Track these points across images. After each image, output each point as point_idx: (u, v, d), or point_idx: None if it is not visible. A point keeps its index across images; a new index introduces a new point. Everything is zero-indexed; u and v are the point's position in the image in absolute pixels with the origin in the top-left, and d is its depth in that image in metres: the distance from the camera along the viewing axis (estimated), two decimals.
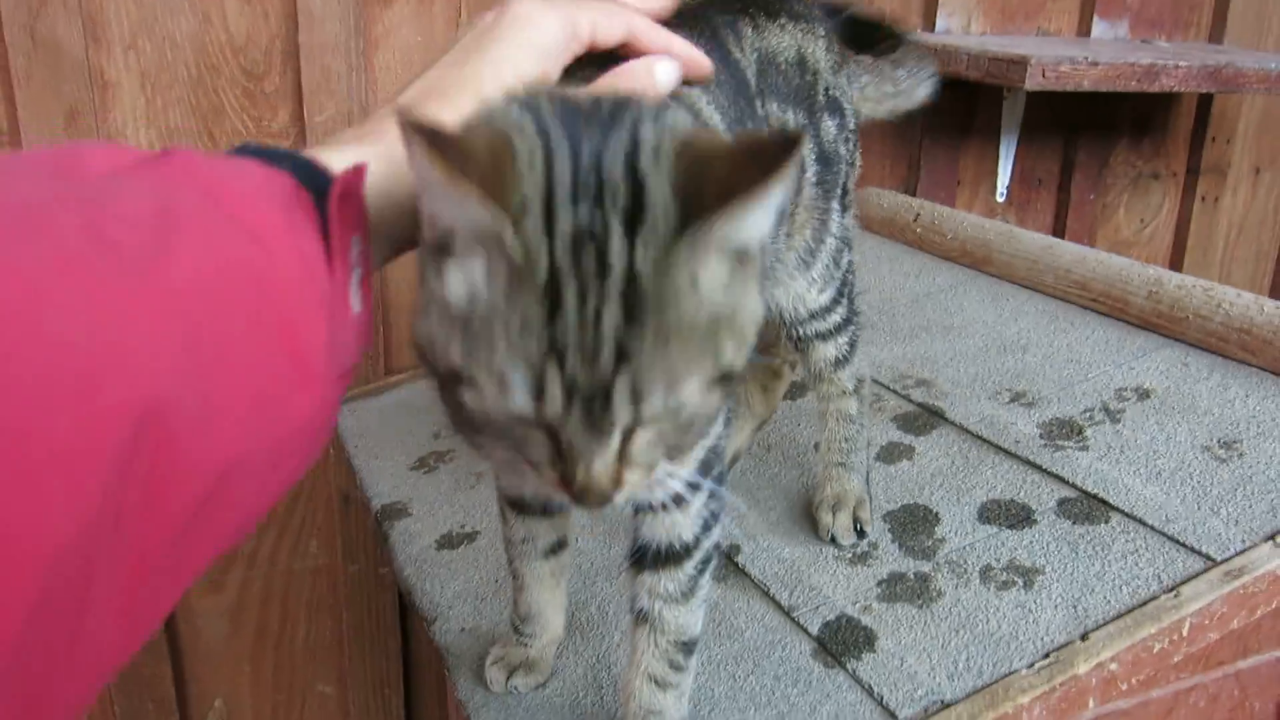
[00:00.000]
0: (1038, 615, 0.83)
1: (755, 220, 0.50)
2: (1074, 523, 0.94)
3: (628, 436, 0.52)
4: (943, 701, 0.77)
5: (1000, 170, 2.06)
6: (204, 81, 1.48)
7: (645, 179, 0.49)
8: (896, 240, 1.66)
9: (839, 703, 0.79)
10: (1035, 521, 0.95)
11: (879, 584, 0.90)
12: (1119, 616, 0.82)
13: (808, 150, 0.90)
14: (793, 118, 0.88)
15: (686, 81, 0.72)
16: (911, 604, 0.87)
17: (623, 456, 0.53)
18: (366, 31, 1.53)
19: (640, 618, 0.74)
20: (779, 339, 1.01)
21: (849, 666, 0.82)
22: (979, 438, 1.09)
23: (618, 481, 0.54)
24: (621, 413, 0.50)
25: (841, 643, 0.84)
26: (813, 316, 0.96)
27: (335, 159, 0.56)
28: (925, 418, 1.15)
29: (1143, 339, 1.22)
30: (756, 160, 0.48)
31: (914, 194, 1.96)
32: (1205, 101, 2.18)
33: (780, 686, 0.82)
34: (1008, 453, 1.05)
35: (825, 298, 0.96)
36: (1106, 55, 1.72)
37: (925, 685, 0.78)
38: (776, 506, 1.04)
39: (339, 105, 1.53)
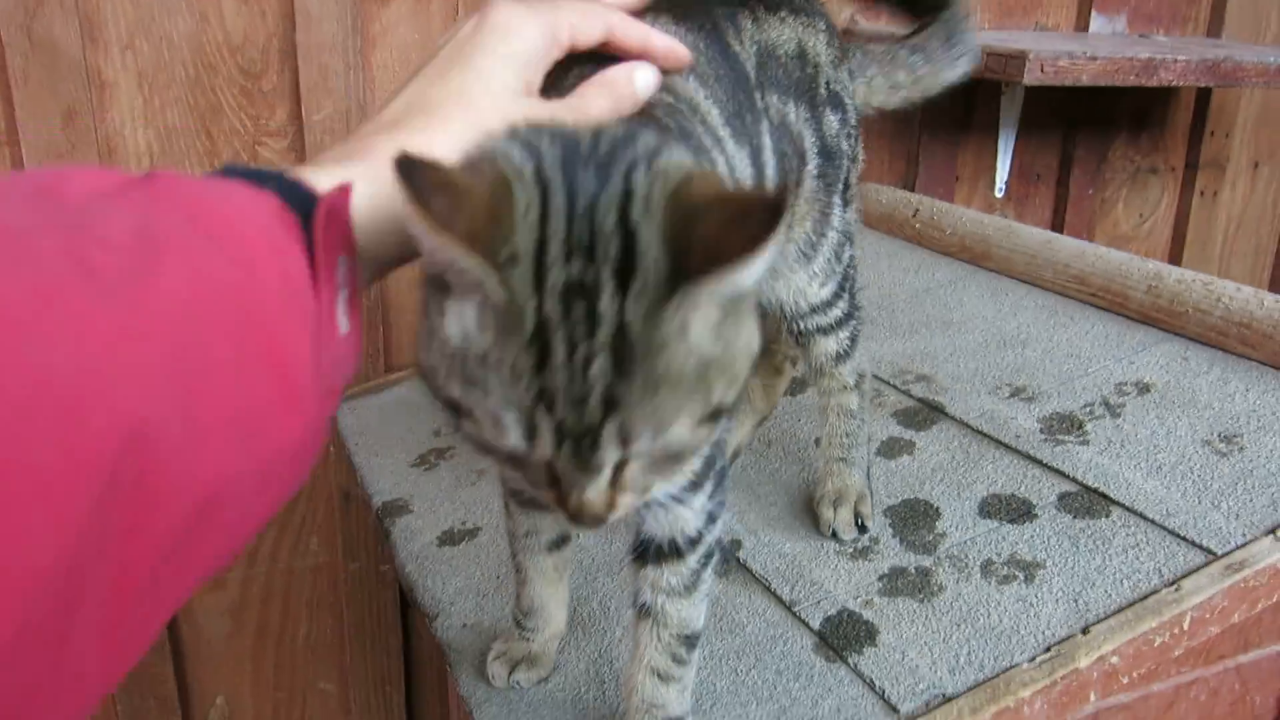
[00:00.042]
0: (1039, 609, 0.84)
1: (745, 277, 0.50)
2: (1075, 517, 0.94)
3: (620, 467, 0.54)
4: (944, 695, 0.77)
5: (999, 165, 2.06)
6: (201, 81, 1.48)
7: (637, 230, 0.50)
8: (895, 236, 1.66)
9: (840, 697, 0.79)
10: (1036, 516, 0.95)
11: (880, 579, 0.91)
12: (1120, 610, 0.82)
13: (810, 144, 0.90)
14: (794, 111, 0.87)
15: (667, 72, 0.72)
16: (913, 598, 0.87)
17: (615, 484, 0.55)
18: (364, 30, 1.53)
19: (643, 612, 0.74)
20: (780, 333, 1.01)
21: (850, 661, 0.82)
22: (979, 432, 1.09)
23: (611, 505, 0.55)
24: (609, 454, 0.52)
25: (843, 637, 0.84)
26: (814, 310, 0.96)
27: (321, 178, 0.56)
28: (925, 413, 1.15)
29: (1142, 333, 1.22)
30: (744, 224, 0.48)
31: (913, 189, 1.96)
32: (1204, 96, 2.18)
33: (782, 681, 0.82)
34: (1008, 447, 1.05)
35: (826, 292, 0.96)
36: (1105, 50, 1.72)
37: (927, 679, 0.79)
38: (777, 502, 1.05)
39: (337, 104, 1.53)
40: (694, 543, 0.72)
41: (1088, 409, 1.09)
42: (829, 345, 0.98)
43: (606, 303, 0.49)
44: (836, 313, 0.97)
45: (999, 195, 2.09)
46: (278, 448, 0.49)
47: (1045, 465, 1.01)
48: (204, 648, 1.71)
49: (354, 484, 1.61)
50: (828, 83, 0.92)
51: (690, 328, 0.50)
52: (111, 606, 0.43)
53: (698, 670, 0.78)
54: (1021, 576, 0.88)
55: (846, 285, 0.98)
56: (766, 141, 0.82)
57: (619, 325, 0.49)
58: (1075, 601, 0.83)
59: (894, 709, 0.77)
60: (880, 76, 1.07)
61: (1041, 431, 1.06)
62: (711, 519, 0.72)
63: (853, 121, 0.96)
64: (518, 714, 0.84)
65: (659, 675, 0.74)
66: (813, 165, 0.91)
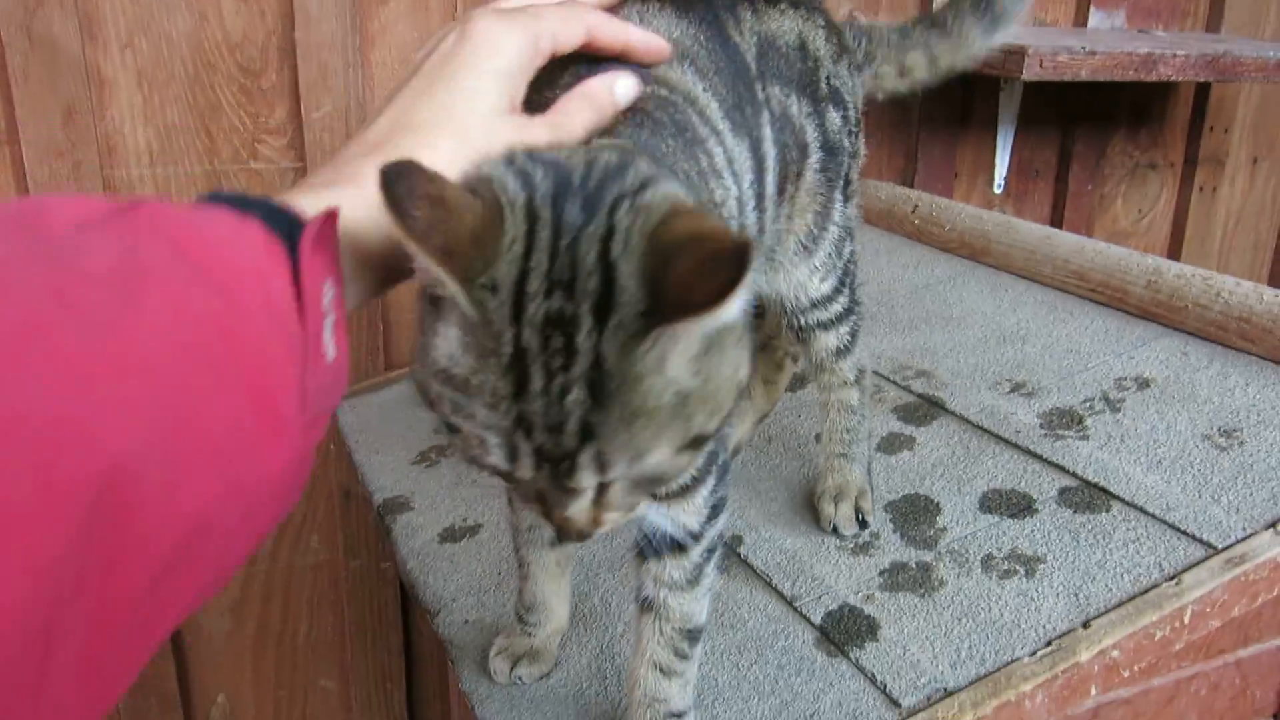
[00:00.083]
0: (1039, 603, 0.84)
1: (717, 320, 0.51)
2: (1075, 511, 0.94)
3: (604, 488, 0.56)
4: (945, 689, 0.77)
5: (998, 161, 2.06)
6: (201, 79, 1.48)
7: (616, 267, 0.51)
8: (895, 232, 1.66)
9: (842, 691, 0.79)
10: (1036, 510, 0.95)
11: (881, 573, 0.91)
12: (1121, 604, 0.82)
13: (812, 138, 0.90)
14: (795, 103, 0.87)
15: (649, 65, 0.73)
16: (914, 593, 0.88)
17: (599, 502, 0.57)
18: (363, 28, 1.53)
19: (645, 606, 0.74)
20: (780, 329, 1.01)
21: (852, 655, 0.82)
22: (979, 428, 1.09)
23: (595, 522, 0.58)
24: (586, 479, 0.54)
25: (844, 632, 0.85)
26: (814, 305, 0.96)
27: (308, 204, 0.56)
28: (925, 408, 1.15)
29: (1142, 328, 1.23)
30: (714, 271, 0.48)
31: (912, 185, 1.96)
32: (1203, 91, 2.19)
33: (783, 675, 0.82)
34: (1008, 442, 1.06)
35: (827, 286, 0.96)
36: (1104, 45, 1.73)
37: (928, 674, 0.79)
38: (778, 498, 1.05)
39: (336, 102, 1.53)
40: (697, 537, 0.72)
41: (1088, 404, 1.09)
42: (829, 340, 0.98)
43: (584, 336, 0.51)
44: (837, 308, 0.97)
45: (998, 191, 2.09)
46: (262, 479, 0.49)
47: (1045, 460, 1.01)
48: (205, 646, 1.71)
49: (354, 481, 1.62)
50: (829, 78, 0.92)
51: (668, 361, 0.52)
52: (92, 640, 0.42)
53: (699, 665, 0.78)
54: (1022, 571, 0.88)
55: (847, 280, 0.98)
56: (767, 133, 0.82)
57: (595, 358, 0.51)
58: (1076, 596, 0.84)
59: (895, 703, 0.77)
60: (888, 63, 1.06)
61: (1041, 426, 1.07)
62: (714, 513, 0.72)
63: (854, 118, 0.96)
64: (519, 710, 0.84)
65: (661, 669, 0.74)
66: (815, 159, 0.90)
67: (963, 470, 1.03)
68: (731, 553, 0.96)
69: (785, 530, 0.99)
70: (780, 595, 0.91)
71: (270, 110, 1.53)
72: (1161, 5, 2.13)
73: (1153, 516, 0.90)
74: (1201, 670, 1.00)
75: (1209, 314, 1.17)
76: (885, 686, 0.79)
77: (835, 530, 0.97)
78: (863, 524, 0.96)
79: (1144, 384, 1.11)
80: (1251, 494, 0.90)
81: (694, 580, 0.73)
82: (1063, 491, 0.97)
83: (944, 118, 1.99)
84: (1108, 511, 0.93)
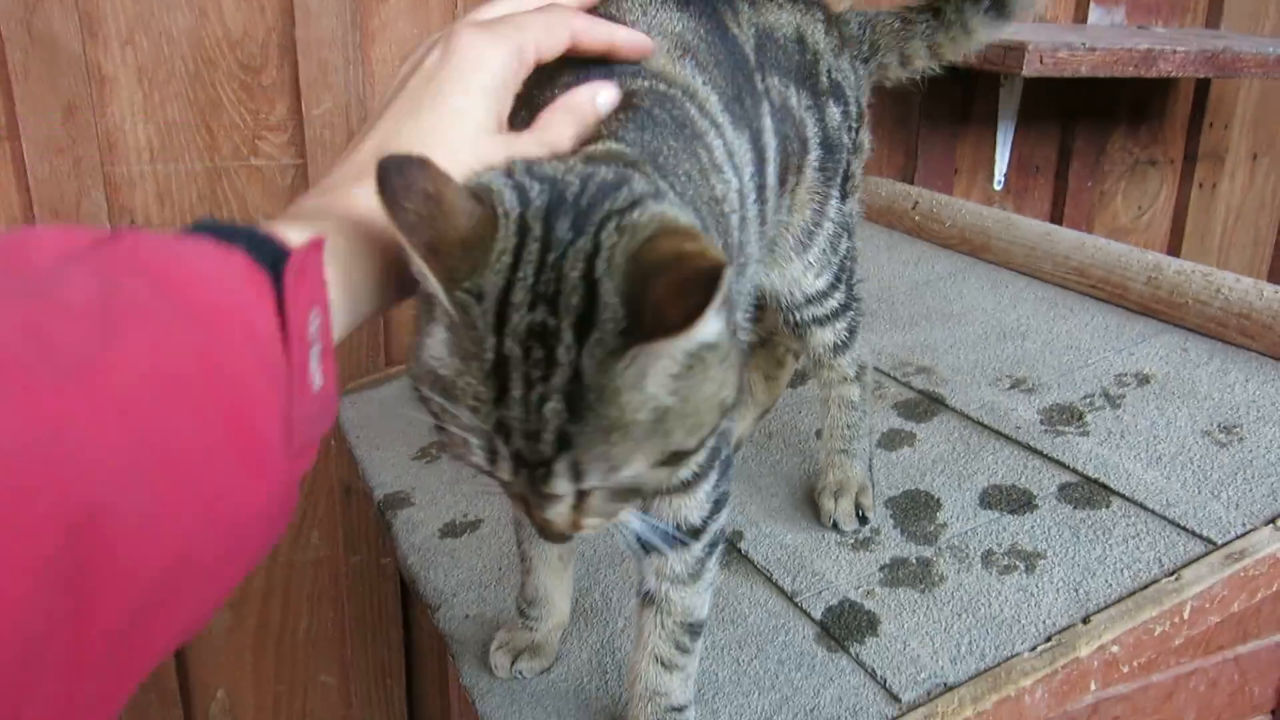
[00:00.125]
0: (1039, 599, 0.84)
1: (690, 342, 0.52)
2: (1075, 507, 0.94)
3: (582, 495, 0.57)
4: (945, 684, 0.77)
5: (998, 158, 2.06)
6: (201, 76, 1.48)
7: (599, 285, 0.52)
8: (895, 228, 1.66)
9: (842, 686, 0.80)
10: (1036, 506, 0.95)
11: (881, 569, 0.91)
12: (1120, 600, 0.82)
13: (812, 133, 0.90)
14: (795, 95, 0.87)
15: (638, 63, 0.73)
16: (914, 588, 0.88)
17: (580, 508, 0.58)
18: (363, 25, 1.53)
19: (647, 600, 0.75)
20: (779, 325, 1.01)
21: (852, 650, 0.82)
22: (980, 424, 1.09)
23: (575, 526, 0.60)
24: (562, 486, 0.56)
25: (844, 627, 0.85)
26: (809, 301, 0.96)
27: (294, 232, 0.55)
28: (926, 404, 1.15)
29: (1142, 325, 1.23)
30: (687, 294, 0.50)
31: (912, 182, 1.96)
32: (1203, 87, 2.19)
33: (784, 670, 0.82)
34: (1008, 438, 1.06)
35: (822, 282, 0.96)
36: (1104, 41, 1.73)
37: (928, 668, 0.79)
38: (779, 493, 1.05)
39: (336, 99, 1.53)
40: (699, 531, 0.72)
41: (1088, 400, 1.09)
42: (826, 336, 0.98)
43: (563, 350, 0.52)
44: (833, 303, 0.97)
45: (998, 188, 2.09)
46: (244, 515, 0.48)
47: (1045, 456, 1.02)
48: (205, 642, 1.71)
49: (355, 477, 1.62)
50: (829, 71, 0.92)
51: (647, 378, 0.53)
52: (71, 676, 0.42)
53: (700, 660, 0.78)
54: (1022, 566, 0.88)
55: (843, 276, 0.98)
56: (768, 124, 0.82)
57: (574, 372, 0.52)
58: (1076, 591, 0.84)
59: (895, 698, 0.77)
60: (891, 52, 1.05)
61: (1042, 423, 1.07)
62: (716, 508, 0.73)
63: (854, 113, 0.96)
64: (520, 704, 0.84)
65: (662, 663, 0.75)
66: (814, 156, 0.90)
67: (963, 466, 1.03)
68: (732, 548, 0.96)
69: (786, 526, 0.99)
70: (781, 590, 0.91)
71: (271, 107, 1.53)
72: (1161, 1, 2.13)
73: (1152, 512, 0.91)
74: (1200, 666, 1.01)
75: (1209, 310, 1.17)
76: (885, 681, 0.79)
77: (836, 526, 0.97)
78: (863, 520, 0.97)
79: (1144, 380, 1.11)
80: (1251, 490, 0.91)
81: (696, 574, 0.73)
82: (1063, 487, 0.97)
83: (944, 114, 1.99)
84: (1108, 507, 0.93)
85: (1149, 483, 0.94)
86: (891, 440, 1.09)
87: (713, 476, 0.71)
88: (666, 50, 0.74)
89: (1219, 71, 1.81)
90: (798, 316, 0.97)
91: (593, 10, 0.75)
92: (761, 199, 0.80)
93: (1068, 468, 0.99)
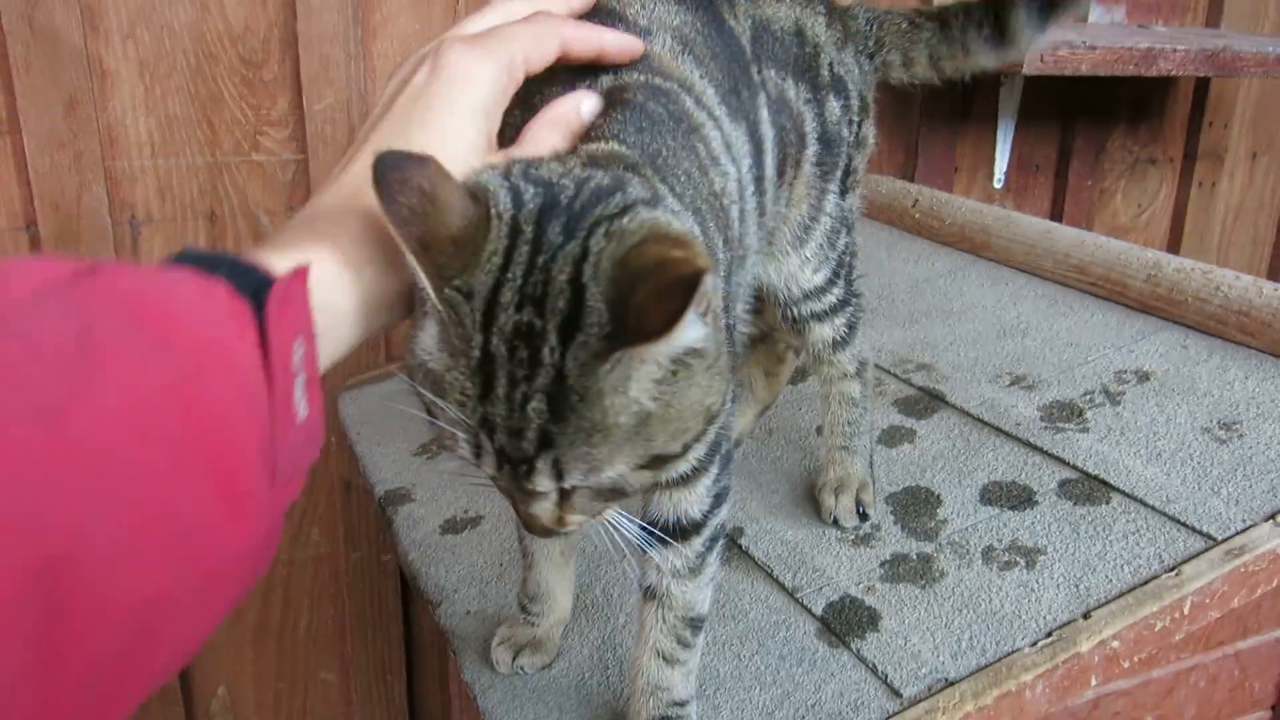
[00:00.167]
0: (1040, 594, 0.84)
1: (672, 346, 0.53)
2: (1075, 503, 0.94)
3: (566, 493, 0.59)
4: (946, 680, 0.78)
5: (998, 156, 2.06)
6: (202, 70, 1.48)
7: (585, 289, 0.53)
8: (895, 226, 1.66)
9: (843, 681, 0.80)
10: (1036, 503, 0.95)
11: (882, 565, 0.91)
12: (1121, 595, 0.82)
13: (811, 127, 0.90)
14: (792, 87, 0.87)
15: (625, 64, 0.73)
16: (914, 584, 0.88)
17: (565, 505, 0.60)
18: (365, 20, 1.53)
19: (648, 594, 0.75)
20: (778, 321, 1.01)
21: (853, 646, 0.83)
22: (980, 420, 1.09)
23: (560, 523, 0.61)
24: (544, 484, 0.57)
25: (845, 622, 0.85)
26: (806, 296, 0.96)
27: (279, 261, 0.54)
28: (926, 401, 1.15)
29: (1142, 322, 1.23)
30: (666, 300, 0.51)
31: (912, 180, 1.96)
32: (1202, 86, 2.19)
33: (785, 666, 0.82)
34: (1008, 435, 1.06)
35: (820, 278, 0.96)
36: (1104, 39, 1.73)
37: (929, 664, 0.79)
38: (779, 490, 1.05)
39: (338, 94, 1.53)
40: (699, 525, 0.73)
41: (1088, 397, 1.10)
42: (825, 332, 0.98)
43: (548, 352, 0.53)
44: (831, 299, 0.97)
45: (998, 186, 2.09)
46: (224, 556, 0.47)
47: (1046, 452, 1.02)
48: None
49: (355, 474, 1.62)
50: (831, 65, 0.92)
51: (630, 383, 0.54)
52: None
53: (701, 655, 0.78)
54: (1023, 562, 0.88)
55: (842, 272, 0.98)
56: (764, 115, 0.83)
57: (558, 373, 0.53)
58: (1076, 587, 0.84)
59: (897, 693, 0.77)
60: (896, 51, 1.04)
61: (1042, 419, 1.07)
62: (717, 502, 0.73)
63: (856, 106, 0.96)
64: (521, 700, 0.84)
65: (664, 657, 0.75)
66: (812, 151, 0.90)
67: (963, 463, 1.03)
68: (733, 544, 0.97)
69: (787, 522, 0.99)
70: (782, 586, 0.91)
71: (272, 102, 1.53)
72: (1161, 0, 2.13)
73: (1153, 508, 0.91)
74: (1201, 662, 1.01)
75: (1209, 308, 1.17)
76: (886, 677, 0.79)
77: (836, 522, 0.97)
78: (864, 516, 0.97)
79: (1144, 377, 1.11)
80: (1251, 486, 0.91)
81: (696, 569, 0.74)
82: (1063, 484, 0.97)
83: (945, 113, 1.99)
84: (1108, 503, 0.93)
85: (1149, 479, 0.94)
86: (892, 437, 1.10)
87: (713, 471, 0.71)
88: (667, 45, 0.75)
89: (1219, 70, 1.82)
90: (796, 312, 0.97)
91: (592, 9, 0.75)
92: (760, 190, 0.80)
93: (1068, 464, 0.99)
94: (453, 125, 0.64)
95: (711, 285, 0.52)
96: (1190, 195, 2.27)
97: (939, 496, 0.99)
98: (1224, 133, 2.25)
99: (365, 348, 1.64)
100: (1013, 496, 0.97)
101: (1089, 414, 1.06)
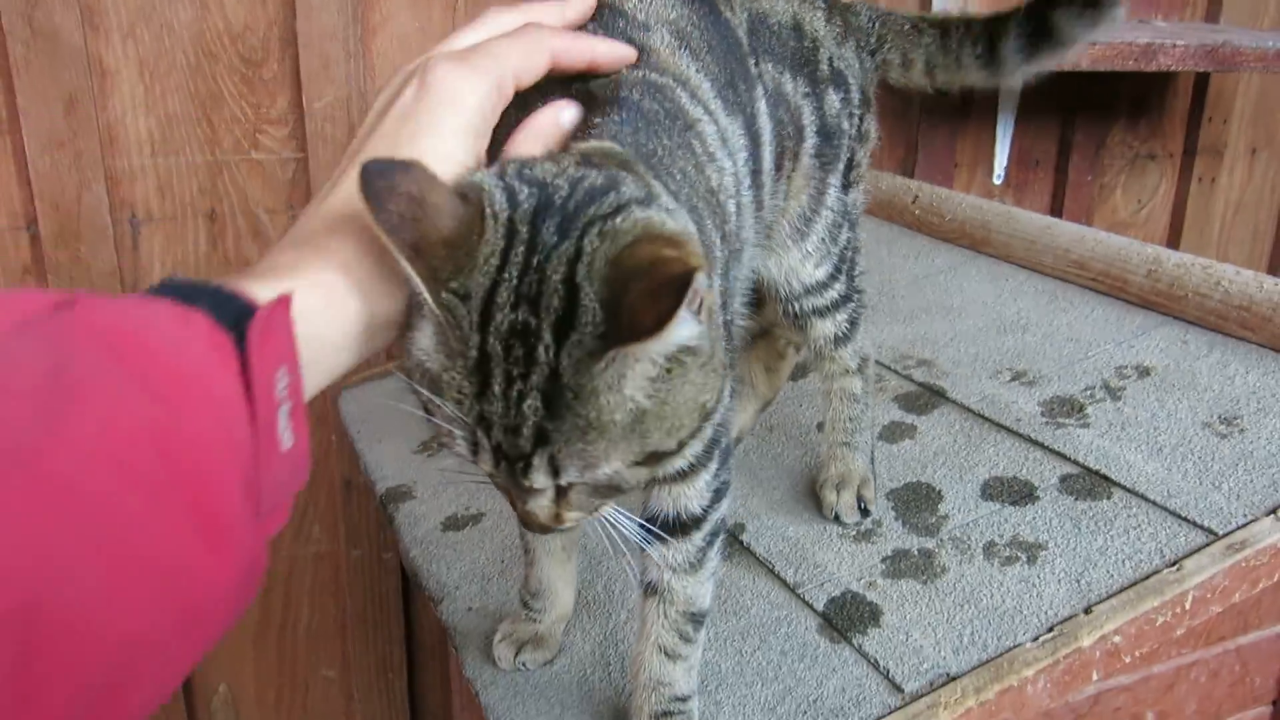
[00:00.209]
0: (1041, 590, 0.84)
1: (665, 345, 0.54)
2: (1076, 499, 0.94)
3: (563, 489, 0.59)
4: (948, 675, 0.78)
5: (998, 152, 2.06)
6: (202, 69, 1.48)
7: (580, 289, 0.54)
8: (895, 222, 1.66)
9: (845, 677, 0.80)
10: (1038, 498, 0.95)
11: (883, 560, 0.91)
12: (1122, 590, 0.82)
13: (809, 120, 0.90)
14: (790, 81, 0.87)
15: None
16: (916, 580, 0.88)
17: (562, 501, 0.60)
18: (364, 18, 1.53)
19: (650, 590, 0.75)
20: (779, 317, 1.01)
21: (855, 641, 0.83)
22: (980, 416, 1.09)
23: (557, 519, 0.61)
24: (540, 480, 0.57)
25: (847, 618, 0.85)
26: (808, 291, 0.96)
27: (263, 289, 0.54)
28: (927, 397, 1.15)
29: (1142, 317, 1.23)
30: (658, 299, 0.52)
31: (912, 176, 1.96)
32: (1202, 81, 2.19)
33: (786, 661, 0.82)
34: (1009, 430, 1.06)
35: (821, 273, 0.95)
36: (1103, 34, 1.72)
37: (930, 659, 0.79)
38: (780, 486, 1.05)
39: (337, 92, 1.53)
40: (699, 520, 0.73)
41: (1088, 392, 1.10)
42: (826, 328, 0.98)
43: (543, 350, 0.54)
44: (832, 294, 0.97)
45: (998, 182, 2.09)
46: (203, 593, 0.47)
47: (1046, 448, 1.02)
48: None
49: (356, 471, 1.62)
50: (831, 59, 0.92)
51: (624, 381, 0.55)
52: None
53: (703, 651, 0.79)
54: (1024, 558, 0.88)
55: (843, 267, 0.97)
56: (762, 108, 0.83)
57: (553, 371, 0.54)
58: (1077, 582, 0.84)
59: (898, 688, 0.77)
60: (895, 50, 1.04)
61: (1042, 415, 1.07)
62: (717, 497, 0.73)
63: (856, 100, 0.95)
64: (523, 696, 0.84)
65: (666, 653, 0.75)
66: (810, 144, 0.90)
67: (964, 458, 1.03)
68: (734, 540, 0.97)
69: (788, 518, 0.99)
70: (783, 582, 0.91)
71: (272, 100, 1.53)
72: None
73: (1154, 503, 0.91)
74: (1201, 657, 1.01)
75: (1209, 302, 1.17)
76: (888, 672, 0.79)
77: (838, 518, 0.97)
78: (865, 512, 0.97)
79: (1144, 372, 1.11)
80: (1252, 480, 0.91)
81: (697, 564, 0.74)
82: (1064, 479, 0.97)
83: (944, 108, 1.99)
84: (1109, 498, 0.93)
85: (1150, 474, 0.95)
86: (893, 433, 1.10)
87: (712, 465, 0.71)
88: (664, 40, 0.75)
89: (1218, 66, 1.82)
90: (798, 307, 0.96)
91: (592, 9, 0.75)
92: (756, 184, 0.80)
93: (1069, 459, 0.99)
94: (442, 148, 0.63)
95: (704, 283, 0.53)
96: (1190, 190, 2.27)
97: (940, 492, 0.99)
98: (1224, 128, 2.25)
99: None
100: (1014, 492, 0.97)
101: (1090, 409, 1.06)
